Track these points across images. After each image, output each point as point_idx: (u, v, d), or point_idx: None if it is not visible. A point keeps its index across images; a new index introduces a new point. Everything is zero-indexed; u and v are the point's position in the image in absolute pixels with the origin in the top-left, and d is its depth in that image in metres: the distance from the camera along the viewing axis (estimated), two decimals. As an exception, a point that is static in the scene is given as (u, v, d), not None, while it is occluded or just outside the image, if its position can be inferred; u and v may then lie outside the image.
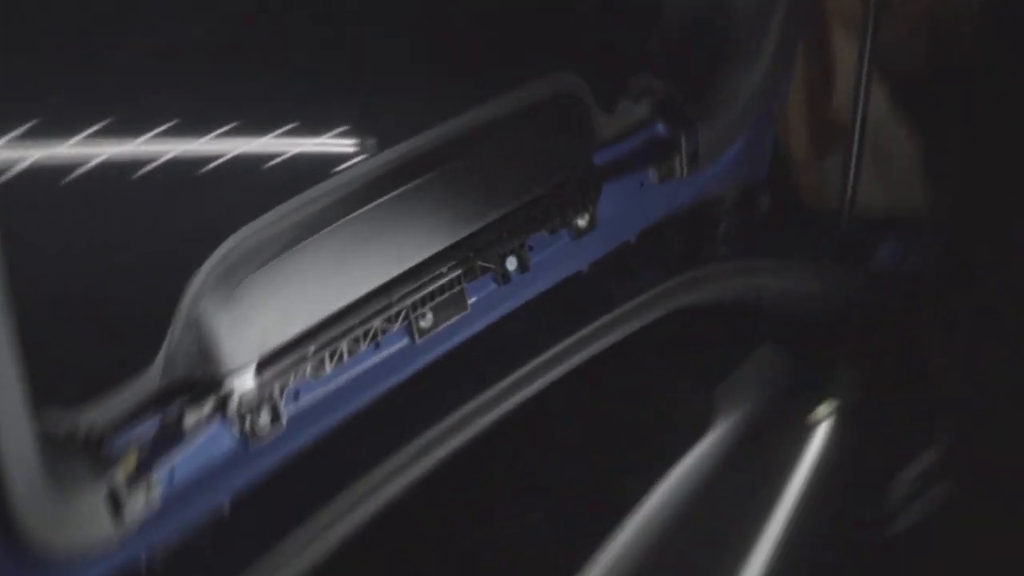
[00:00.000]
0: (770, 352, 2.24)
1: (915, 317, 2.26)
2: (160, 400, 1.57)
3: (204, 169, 1.76)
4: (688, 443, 2.07)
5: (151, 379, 1.55)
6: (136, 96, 1.72)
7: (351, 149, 1.87)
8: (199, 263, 1.57)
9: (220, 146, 1.80)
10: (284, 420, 1.67)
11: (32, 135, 1.58)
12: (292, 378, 1.67)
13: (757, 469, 2.11)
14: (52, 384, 1.42)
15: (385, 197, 1.76)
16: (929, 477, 2.11)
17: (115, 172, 1.67)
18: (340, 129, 1.90)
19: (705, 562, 2.01)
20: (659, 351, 2.23)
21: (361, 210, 1.73)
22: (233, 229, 1.61)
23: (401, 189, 1.78)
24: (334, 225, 1.71)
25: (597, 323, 2.05)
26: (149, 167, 1.72)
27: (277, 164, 1.81)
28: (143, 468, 1.52)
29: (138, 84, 1.73)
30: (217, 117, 1.79)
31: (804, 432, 2.13)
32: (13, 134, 1.58)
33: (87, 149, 1.65)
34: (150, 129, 1.74)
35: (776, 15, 2.18)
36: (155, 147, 1.72)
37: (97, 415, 1.50)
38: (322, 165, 1.78)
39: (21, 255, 1.36)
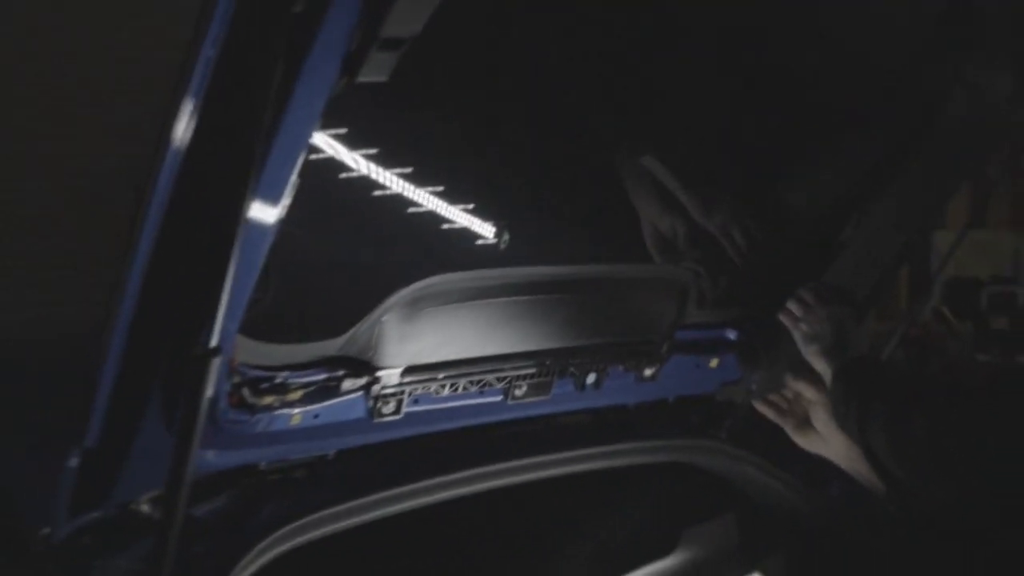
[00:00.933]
0: (732, 520, 2.28)
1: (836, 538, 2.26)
2: (334, 362, 1.72)
3: (444, 226, 1.99)
4: (641, 563, 2.12)
5: (335, 346, 1.71)
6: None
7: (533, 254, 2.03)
8: (404, 286, 1.69)
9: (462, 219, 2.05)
10: (403, 413, 1.81)
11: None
12: (421, 388, 1.82)
13: None
14: (271, 325, 1.64)
15: (533, 297, 1.90)
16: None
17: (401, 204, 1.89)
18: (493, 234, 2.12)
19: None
20: (659, 486, 2.30)
21: (519, 298, 1.87)
22: (437, 272, 1.73)
23: (546, 296, 1.91)
24: (497, 300, 1.85)
25: (620, 445, 2.15)
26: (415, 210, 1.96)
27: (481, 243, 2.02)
28: (302, 402, 1.69)
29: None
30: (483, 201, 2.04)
31: None
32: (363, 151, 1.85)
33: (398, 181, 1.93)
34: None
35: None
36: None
37: (293, 355, 1.68)
38: (509, 259, 1.95)
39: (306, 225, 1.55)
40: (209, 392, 1.29)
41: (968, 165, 2.07)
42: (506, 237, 2.18)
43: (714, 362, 2.25)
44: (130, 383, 1.40)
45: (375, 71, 1.20)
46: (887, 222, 2.09)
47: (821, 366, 1.86)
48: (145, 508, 1.59)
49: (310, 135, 1.25)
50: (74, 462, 1.46)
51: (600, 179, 2.21)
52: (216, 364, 1.26)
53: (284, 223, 1.34)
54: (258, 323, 1.57)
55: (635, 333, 2.10)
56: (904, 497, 1.70)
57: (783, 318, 1.97)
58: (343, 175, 1.94)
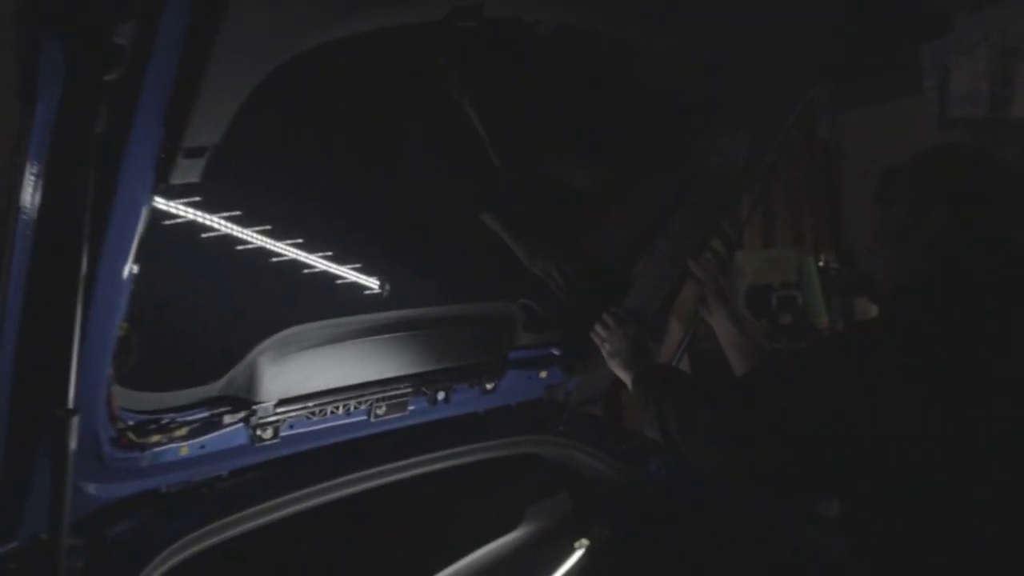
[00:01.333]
0: (566, 496, 2.19)
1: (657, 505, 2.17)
2: (215, 402, 1.62)
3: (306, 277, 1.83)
4: (493, 537, 2.02)
5: (216, 388, 1.61)
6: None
7: (381, 300, 1.94)
8: (272, 333, 1.61)
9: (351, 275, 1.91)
10: (280, 437, 1.71)
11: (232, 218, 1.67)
12: (294, 416, 1.72)
13: (532, 567, 2.02)
14: (156, 374, 1.53)
15: (387, 336, 1.81)
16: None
17: (262, 258, 1.73)
18: (378, 286, 1.98)
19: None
20: (507, 474, 2.18)
21: (371, 339, 1.78)
22: (299, 321, 1.65)
23: (398, 335, 1.83)
24: (352, 342, 1.76)
25: (475, 444, 2.06)
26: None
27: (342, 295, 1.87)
28: (188, 436, 1.58)
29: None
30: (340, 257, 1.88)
31: (567, 551, 2.06)
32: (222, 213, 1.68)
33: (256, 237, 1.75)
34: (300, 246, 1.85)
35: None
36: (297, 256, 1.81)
37: (177, 399, 1.58)
38: (361, 305, 1.82)
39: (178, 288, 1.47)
40: (72, 444, 1.18)
41: (722, 210, 2.03)
42: (387, 287, 2.07)
43: (544, 373, 2.18)
44: (18, 437, 1.28)
45: (186, 175, 1.11)
46: (666, 257, 2.04)
47: (622, 375, 1.78)
48: (53, 535, 1.46)
49: (136, 232, 1.14)
50: (-19, 505, 1.34)
51: (458, 235, 2.10)
52: (74, 423, 1.16)
53: (132, 299, 1.23)
54: (143, 376, 1.48)
55: (475, 356, 2.02)
56: None
57: (592, 337, 1.89)
58: (240, 248, 1.82)
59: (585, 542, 2.04)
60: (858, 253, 4.95)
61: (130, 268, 1.17)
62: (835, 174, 5.23)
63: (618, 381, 1.88)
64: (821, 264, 4.41)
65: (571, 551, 2.03)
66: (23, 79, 0.98)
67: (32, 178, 1.04)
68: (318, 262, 2.00)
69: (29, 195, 1.05)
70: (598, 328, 1.88)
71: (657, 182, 2.04)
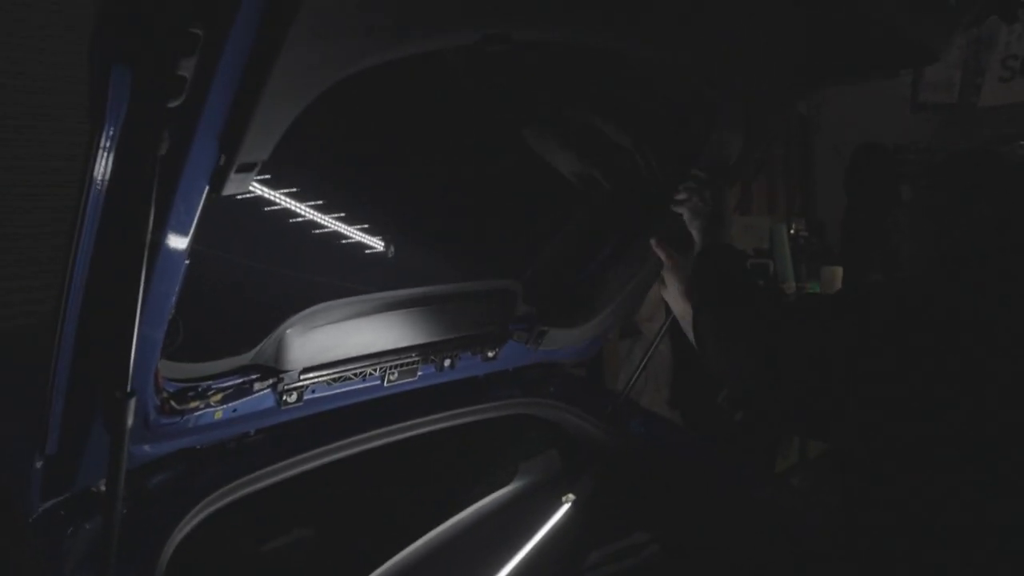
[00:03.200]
0: (555, 454, 2.25)
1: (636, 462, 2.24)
2: (247, 370, 1.68)
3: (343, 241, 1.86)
4: (490, 491, 2.09)
5: (247, 358, 1.67)
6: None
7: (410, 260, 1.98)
8: (299, 310, 1.66)
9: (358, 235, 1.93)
10: (304, 400, 1.78)
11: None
12: (315, 383, 1.78)
13: (523, 519, 2.07)
14: (197, 347, 1.58)
15: (399, 311, 1.86)
16: (623, 552, 2.08)
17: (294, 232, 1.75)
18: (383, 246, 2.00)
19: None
20: (500, 433, 2.24)
21: (385, 314, 1.83)
22: (325, 299, 1.69)
23: (408, 310, 1.87)
24: (368, 317, 1.80)
25: (475, 406, 2.13)
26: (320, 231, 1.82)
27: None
28: (222, 402, 1.65)
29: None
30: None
31: (556, 505, 2.12)
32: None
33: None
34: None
35: (624, 290, 2.26)
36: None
37: (213, 368, 1.64)
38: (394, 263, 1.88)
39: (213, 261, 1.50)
40: (129, 422, 1.23)
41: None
42: (392, 248, 2.10)
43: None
44: (75, 408, 1.34)
45: (236, 187, 1.15)
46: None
47: (697, 238, 1.63)
48: (103, 488, 1.53)
49: (189, 241, 1.17)
50: (39, 464, 1.41)
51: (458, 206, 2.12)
52: (131, 404, 1.21)
53: (181, 291, 1.28)
54: (182, 350, 1.53)
55: (479, 327, 2.07)
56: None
57: (677, 201, 1.71)
58: (267, 208, 1.82)
59: (572, 496, 2.13)
60: (826, 223, 5.04)
61: (183, 265, 1.21)
62: (810, 147, 5.26)
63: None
64: (792, 232, 4.48)
65: (559, 505, 2.10)
66: (92, 102, 1.01)
67: (97, 192, 1.07)
68: (338, 225, 2.01)
69: (93, 207, 1.08)
70: (684, 186, 1.71)
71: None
